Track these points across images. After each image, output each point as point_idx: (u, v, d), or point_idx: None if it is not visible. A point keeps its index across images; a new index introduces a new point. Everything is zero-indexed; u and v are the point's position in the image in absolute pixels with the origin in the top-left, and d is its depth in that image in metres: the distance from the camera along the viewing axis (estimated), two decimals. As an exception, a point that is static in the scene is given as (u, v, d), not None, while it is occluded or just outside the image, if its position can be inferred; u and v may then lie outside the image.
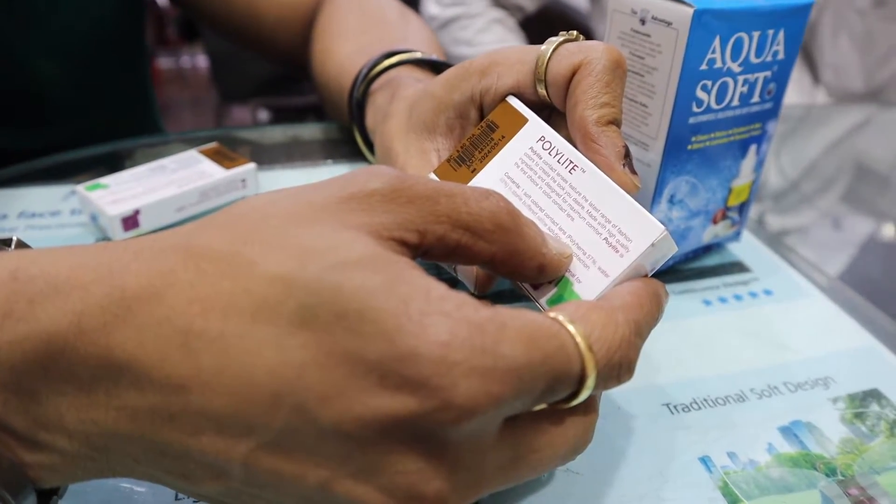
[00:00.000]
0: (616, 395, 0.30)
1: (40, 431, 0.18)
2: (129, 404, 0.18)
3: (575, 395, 0.20)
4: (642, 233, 0.23)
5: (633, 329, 0.21)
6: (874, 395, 0.31)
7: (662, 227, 0.23)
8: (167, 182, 0.42)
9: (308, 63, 0.56)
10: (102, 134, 0.56)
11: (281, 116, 2.17)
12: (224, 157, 0.45)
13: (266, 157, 0.53)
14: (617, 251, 0.24)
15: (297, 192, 0.20)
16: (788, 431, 0.29)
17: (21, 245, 0.23)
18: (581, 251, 0.24)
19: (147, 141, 0.55)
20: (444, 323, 0.17)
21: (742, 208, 0.39)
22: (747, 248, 0.42)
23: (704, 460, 0.27)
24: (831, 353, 0.34)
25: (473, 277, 0.28)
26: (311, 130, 0.58)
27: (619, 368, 0.20)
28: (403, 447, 0.17)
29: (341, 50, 0.48)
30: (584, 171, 0.25)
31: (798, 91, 1.02)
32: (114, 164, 0.51)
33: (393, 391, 0.16)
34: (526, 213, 0.26)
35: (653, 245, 0.23)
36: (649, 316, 0.22)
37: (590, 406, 0.22)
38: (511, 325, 0.18)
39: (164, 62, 3.03)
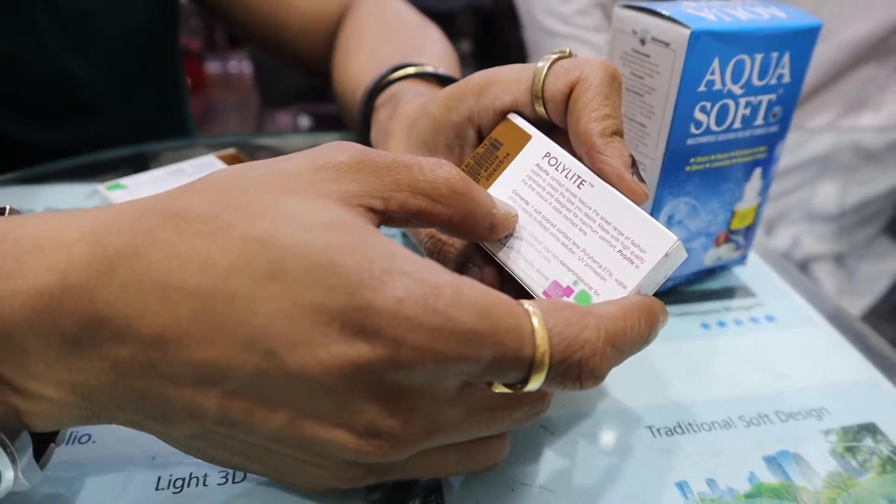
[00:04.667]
0: (598, 414, 0.30)
1: (30, 381, 0.20)
2: (111, 355, 0.19)
3: (526, 380, 0.20)
4: (656, 243, 0.24)
5: (604, 336, 0.21)
6: (870, 429, 0.30)
7: (675, 237, 0.24)
8: (183, 184, 0.43)
9: (330, 75, 0.57)
10: (134, 134, 0.58)
11: (322, 123, 2.21)
12: (240, 162, 0.46)
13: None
14: (632, 263, 0.24)
15: (269, 163, 0.22)
16: (773, 461, 0.28)
17: (14, 212, 0.24)
18: (597, 264, 0.25)
19: (172, 144, 0.57)
20: (403, 281, 0.18)
21: (747, 232, 0.38)
22: (755, 272, 0.42)
23: (681, 486, 0.27)
24: (829, 383, 0.33)
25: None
26: (332, 140, 0.59)
27: (578, 369, 0.20)
28: (362, 390, 0.19)
29: (356, 63, 0.49)
30: (592, 186, 0.26)
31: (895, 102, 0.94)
32: (139, 165, 0.53)
33: (351, 339, 0.18)
34: (537, 228, 0.26)
35: (667, 255, 0.24)
36: (633, 330, 0.22)
37: (539, 398, 0.23)
38: (468, 293, 0.19)
39: (212, 67, 3.11)
